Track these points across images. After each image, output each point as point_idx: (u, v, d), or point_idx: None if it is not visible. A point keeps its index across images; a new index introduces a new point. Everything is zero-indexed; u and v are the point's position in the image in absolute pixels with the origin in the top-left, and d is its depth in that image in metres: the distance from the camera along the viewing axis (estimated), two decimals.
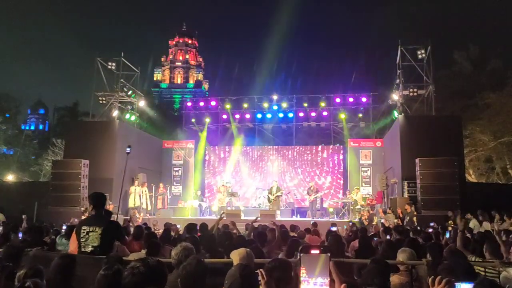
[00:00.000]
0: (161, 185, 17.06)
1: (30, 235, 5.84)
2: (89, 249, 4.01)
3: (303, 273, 1.78)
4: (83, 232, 4.07)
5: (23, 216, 9.27)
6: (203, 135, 20.50)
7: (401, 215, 12.62)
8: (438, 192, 12.85)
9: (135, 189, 15.37)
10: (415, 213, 12.81)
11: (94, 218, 4.25)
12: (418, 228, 9.39)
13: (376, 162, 18.14)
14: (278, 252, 5.09)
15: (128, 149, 10.61)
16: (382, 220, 11.78)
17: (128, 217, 13.76)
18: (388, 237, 6.98)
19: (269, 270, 2.41)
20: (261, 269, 2.34)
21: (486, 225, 10.67)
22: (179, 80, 73.83)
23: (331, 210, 17.78)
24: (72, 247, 4.18)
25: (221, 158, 20.32)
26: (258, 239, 5.50)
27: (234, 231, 6.81)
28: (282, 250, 5.21)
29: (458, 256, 3.88)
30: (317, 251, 1.79)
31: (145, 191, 15.76)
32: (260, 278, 2.27)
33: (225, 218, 7.96)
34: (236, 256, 2.98)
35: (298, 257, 2.43)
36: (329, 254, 1.78)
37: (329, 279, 1.76)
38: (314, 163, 19.51)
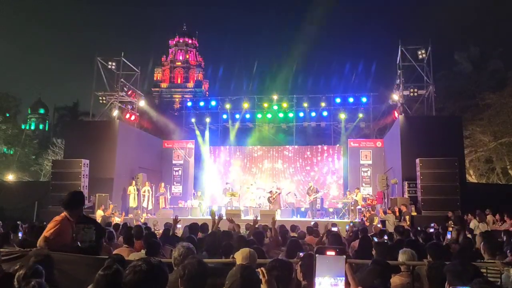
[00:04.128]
0: (161, 185, 17.05)
1: (30, 235, 5.82)
2: (87, 244, 4.02)
3: (316, 274, 1.78)
4: (78, 228, 4.10)
5: (18, 223, 9.17)
6: (203, 135, 20.51)
7: (397, 214, 12.62)
8: (438, 192, 12.85)
9: (134, 188, 15.38)
10: (413, 213, 12.80)
11: (84, 217, 4.28)
12: (418, 228, 9.38)
13: (376, 162, 18.13)
14: (278, 252, 5.08)
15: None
16: (379, 225, 11.72)
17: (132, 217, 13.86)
18: (385, 237, 6.96)
19: (269, 269, 2.41)
20: (261, 268, 2.33)
21: (483, 226, 10.64)
22: (179, 80, 73.81)
23: (331, 210, 17.78)
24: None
25: (221, 158, 20.30)
26: (256, 238, 5.49)
27: (235, 230, 6.80)
28: (281, 250, 5.19)
29: (465, 258, 3.84)
30: (333, 253, 1.80)
31: (148, 190, 15.75)
32: (261, 276, 2.27)
33: (224, 218, 7.94)
34: (239, 256, 2.97)
35: (299, 258, 2.39)
36: (344, 256, 1.79)
37: (341, 280, 1.76)
38: (314, 163, 19.49)
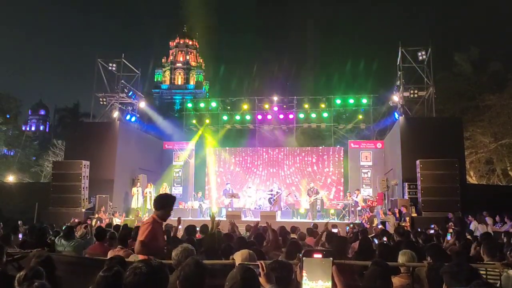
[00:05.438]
0: (164, 185, 16.98)
1: (31, 236, 5.83)
2: None
3: (304, 276, 1.78)
4: None
5: (19, 222, 9.16)
6: (204, 136, 20.51)
7: (397, 215, 12.62)
8: (438, 193, 12.83)
9: (137, 190, 15.38)
10: (414, 214, 12.79)
11: None
12: (419, 229, 9.38)
13: (377, 164, 18.13)
14: (278, 254, 5.08)
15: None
16: (380, 226, 11.73)
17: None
18: (385, 239, 6.95)
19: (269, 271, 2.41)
20: (261, 261, 2.34)
21: (482, 228, 10.64)
22: (179, 81, 73.79)
23: (331, 211, 17.78)
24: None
25: (222, 159, 20.31)
26: (256, 240, 5.49)
27: (235, 232, 6.79)
28: (281, 252, 5.19)
29: (462, 259, 3.85)
30: (319, 255, 1.79)
31: (151, 192, 15.71)
32: (260, 270, 2.27)
33: (224, 219, 7.95)
34: (239, 257, 2.97)
35: (299, 259, 2.40)
36: (331, 258, 1.78)
37: (328, 281, 1.76)
38: (314, 165, 19.48)
